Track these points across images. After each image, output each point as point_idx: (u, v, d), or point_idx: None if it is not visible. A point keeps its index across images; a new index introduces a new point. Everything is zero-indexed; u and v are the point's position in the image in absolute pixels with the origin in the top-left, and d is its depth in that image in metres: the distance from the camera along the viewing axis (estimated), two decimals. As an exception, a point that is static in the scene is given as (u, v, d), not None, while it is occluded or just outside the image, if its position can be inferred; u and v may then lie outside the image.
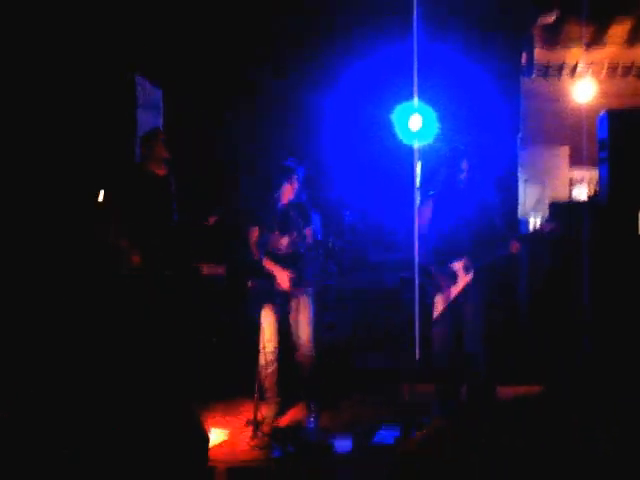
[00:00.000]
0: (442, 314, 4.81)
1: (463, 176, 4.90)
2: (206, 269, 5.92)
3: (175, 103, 6.79)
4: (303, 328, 5.08)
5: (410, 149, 5.73)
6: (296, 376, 5.15)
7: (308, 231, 5.10)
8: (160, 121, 6.72)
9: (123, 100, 6.13)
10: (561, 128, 9.25)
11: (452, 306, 4.82)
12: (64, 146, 5.24)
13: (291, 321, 5.09)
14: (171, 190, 5.11)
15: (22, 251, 4.97)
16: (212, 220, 5.13)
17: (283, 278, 4.95)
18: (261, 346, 5.00)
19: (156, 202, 5.00)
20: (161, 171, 5.05)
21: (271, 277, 4.99)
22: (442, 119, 6.58)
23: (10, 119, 4.81)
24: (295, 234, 5.06)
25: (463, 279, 4.80)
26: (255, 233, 5.13)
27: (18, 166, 4.86)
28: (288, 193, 5.07)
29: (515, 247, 4.72)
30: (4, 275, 4.90)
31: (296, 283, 4.97)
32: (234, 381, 5.49)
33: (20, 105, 4.89)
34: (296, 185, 5.09)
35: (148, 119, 6.51)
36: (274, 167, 5.22)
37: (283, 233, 5.07)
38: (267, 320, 5.04)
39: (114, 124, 5.85)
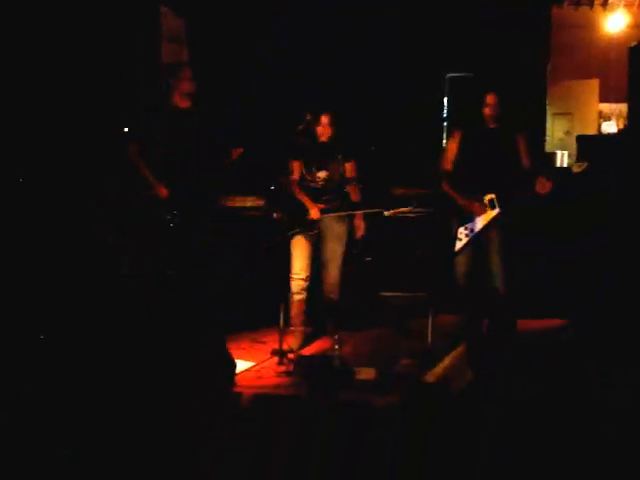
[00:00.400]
0: (464, 246, 4.82)
1: (489, 110, 4.83)
2: (234, 201, 5.97)
3: (200, 34, 6.73)
4: (332, 266, 5.19)
5: (438, 81, 5.67)
6: (322, 309, 5.26)
7: (349, 165, 5.19)
8: (185, 53, 6.67)
9: (146, 31, 6.08)
10: (591, 60, 9.03)
11: (475, 238, 4.82)
12: (87, 80, 5.22)
13: (322, 253, 5.19)
14: (196, 123, 5.11)
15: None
16: (235, 153, 5.13)
17: (314, 210, 5.03)
18: (292, 273, 5.11)
19: (180, 135, 5.00)
20: (184, 104, 5.04)
21: (303, 208, 5.06)
22: (470, 49, 6.49)
23: (33, 51, 4.79)
24: (332, 168, 5.11)
25: (489, 213, 4.79)
26: (296, 166, 5.18)
27: (43, 96, 4.86)
28: (323, 129, 5.10)
29: (544, 187, 4.62)
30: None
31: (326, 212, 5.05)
32: (261, 313, 5.60)
33: (43, 36, 4.86)
34: (327, 121, 5.11)
35: (173, 50, 6.47)
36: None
37: (320, 167, 5.13)
38: (298, 250, 5.14)
39: (138, 55, 5.81)
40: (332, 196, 5.17)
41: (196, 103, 5.09)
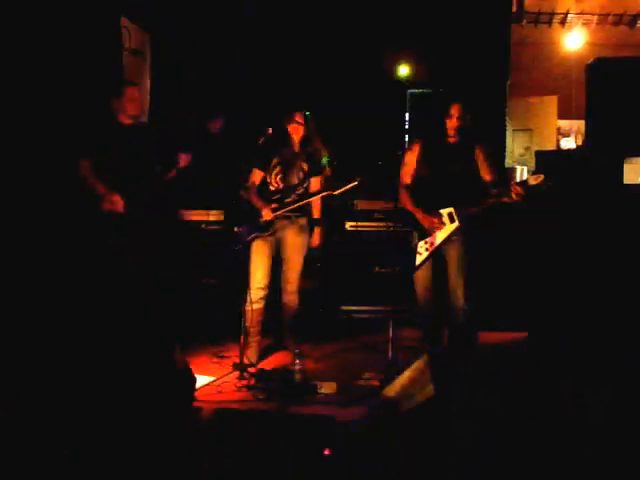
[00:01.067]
0: (424, 260, 4.84)
1: (452, 122, 4.86)
2: (188, 215, 5.95)
3: (162, 47, 6.70)
4: (292, 273, 5.21)
5: (400, 97, 5.71)
6: (282, 320, 5.27)
7: (315, 179, 5.24)
8: (147, 66, 6.64)
9: (109, 44, 6.03)
10: (550, 77, 9.20)
11: (435, 252, 4.85)
12: (47, 91, 5.16)
13: (282, 258, 5.21)
14: (144, 139, 5.09)
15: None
16: (184, 160, 5.09)
17: (266, 210, 5.01)
18: (251, 282, 5.08)
19: (125, 151, 4.96)
20: (129, 121, 5.03)
21: (256, 211, 5.06)
22: (432, 65, 6.56)
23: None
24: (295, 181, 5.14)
25: (448, 227, 4.82)
26: (257, 175, 5.18)
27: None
28: (299, 135, 5.14)
29: (516, 193, 4.59)
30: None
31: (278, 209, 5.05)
32: (221, 327, 5.57)
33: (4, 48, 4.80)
34: (300, 128, 5.14)
35: (135, 63, 6.43)
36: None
37: (283, 180, 5.17)
38: (257, 257, 5.12)
39: (100, 69, 5.76)
40: (286, 195, 5.15)
41: (141, 119, 5.08)
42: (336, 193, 4.96)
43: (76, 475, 3.19)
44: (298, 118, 5.14)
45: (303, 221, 5.24)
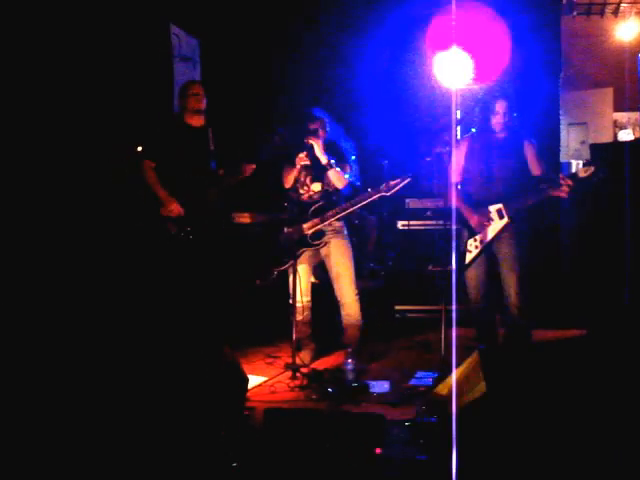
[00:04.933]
0: (475, 257, 4.79)
1: (498, 118, 4.80)
2: (240, 218, 5.99)
3: (212, 53, 6.78)
4: (345, 284, 5.09)
5: (448, 95, 5.63)
6: (337, 328, 5.23)
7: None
8: (197, 72, 6.73)
9: (159, 51, 6.14)
10: (604, 69, 8.98)
11: (486, 250, 4.79)
12: (101, 98, 5.28)
13: (331, 272, 5.12)
14: (208, 142, 5.16)
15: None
16: (248, 169, 5.16)
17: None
18: (296, 299, 5.04)
19: (192, 153, 5.06)
20: (196, 122, 5.09)
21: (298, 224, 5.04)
22: (481, 61, 6.44)
23: (46, 69, 4.86)
24: (329, 180, 5.08)
25: (498, 223, 4.75)
26: (290, 174, 5.14)
27: (55, 118, 4.92)
28: (319, 145, 5.04)
29: (565, 190, 4.53)
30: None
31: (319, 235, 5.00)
32: (274, 329, 5.60)
33: (57, 54, 4.93)
34: (323, 133, 5.09)
35: (185, 70, 6.53)
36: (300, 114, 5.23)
37: (315, 180, 5.10)
38: (301, 272, 5.06)
39: (151, 75, 5.86)
40: (327, 203, 5.08)
41: (208, 121, 5.15)
42: (389, 194, 4.90)
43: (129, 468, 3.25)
44: (312, 126, 5.08)
45: (339, 224, 5.14)
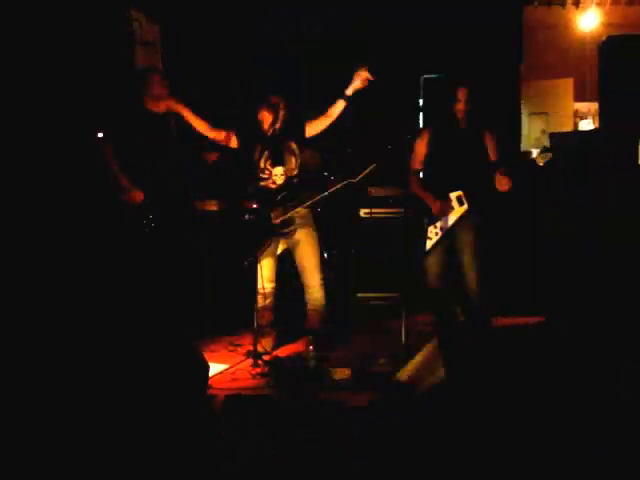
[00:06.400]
0: (435, 244, 4.84)
1: (460, 106, 4.84)
2: (202, 205, 5.95)
3: (173, 39, 6.72)
4: (311, 270, 5.06)
5: (412, 84, 5.66)
6: (300, 314, 5.20)
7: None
8: (159, 57, 6.66)
9: (120, 36, 6.06)
10: (565, 59, 9.09)
11: (445, 237, 4.84)
12: (61, 84, 5.20)
13: (297, 259, 5.09)
14: (170, 128, 5.12)
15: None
16: (212, 157, 5.13)
17: (276, 215, 4.93)
18: (259, 286, 5.02)
19: (154, 140, 5.02)
20: (158, 108, 5.05)
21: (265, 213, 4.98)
22: (442, 52, 6.51)
23: (4, 55, 4.77)
24: (291, 164, 5.05)
25: (457, 210, 4.81)
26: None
27: (13, 104, 4.84)
28: (269, 121, 4.98)
29: (502, 183, 4.60)
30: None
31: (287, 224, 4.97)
32: (235, 316, 5.59)
33: (16, 39, 4.84)
34: (281, 113, 5.01)
35: (147, 55, 6.46)
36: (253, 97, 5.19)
37: (276, 163, 5.05)
38: (265, 259, 5.05)
39: (112, 61, 5.79)
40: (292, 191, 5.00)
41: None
42: (356, 181, 4.88)
43: (89, 462, 3.22)
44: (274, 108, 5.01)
45: (305, 212, 5.08)
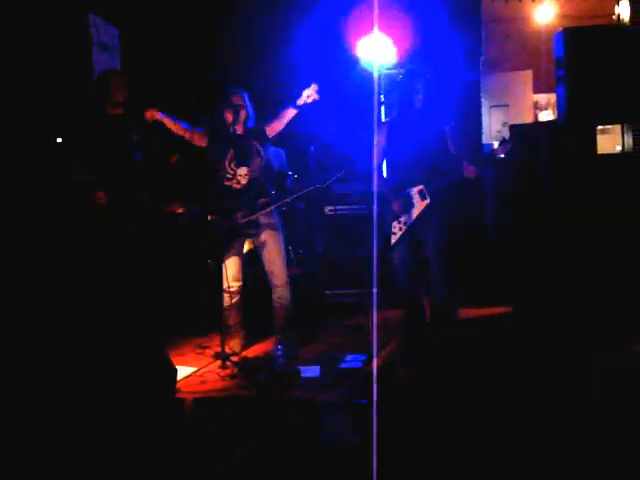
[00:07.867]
0: (399, 239, 4.87)
1: (418, 98, 4.88)
2: (166, 207, 5.91)
3: (131, 42, 6.67)
4: (277, 270, 5.08)
5: (371, 79, 5.67)
6: (267, 312, 5.21)
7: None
8: (117, 60, 6.61)
9: (77, 39, 6.00)
10: (524, 52, 9.22)
11: (410, 231, 4.87)
12: (18, 89, 5.14)
13: (263, 259, 5.09)
14: (130, 132, 5.08)
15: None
16: (174, 158, 5.11)
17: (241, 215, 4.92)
18: (225, 286, 5.00)
19: (113, 144, 4.98)
20: (117, 111, 5.02)
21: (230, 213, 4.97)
22: (401, 45, 6.52)
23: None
24: (256, 163, 5.04)
25: (420, 205, 4.85)
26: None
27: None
28: (230, 121, 4.98)
29: (469, 171, 4.72)
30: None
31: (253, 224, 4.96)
32: (203, 319, 5.56)
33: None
34: (243, 112, 5.03)
35: (104, 59, 6.40)
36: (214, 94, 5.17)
37: (241, 164, 5.04)
38: (230, 258, 5.04)
39: (69, 64, 5.73)
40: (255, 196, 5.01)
41: (129, 110, 5.07)
42: (325, 185, 4.93)
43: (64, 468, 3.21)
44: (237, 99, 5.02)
45: (269, 211, 5.04)
